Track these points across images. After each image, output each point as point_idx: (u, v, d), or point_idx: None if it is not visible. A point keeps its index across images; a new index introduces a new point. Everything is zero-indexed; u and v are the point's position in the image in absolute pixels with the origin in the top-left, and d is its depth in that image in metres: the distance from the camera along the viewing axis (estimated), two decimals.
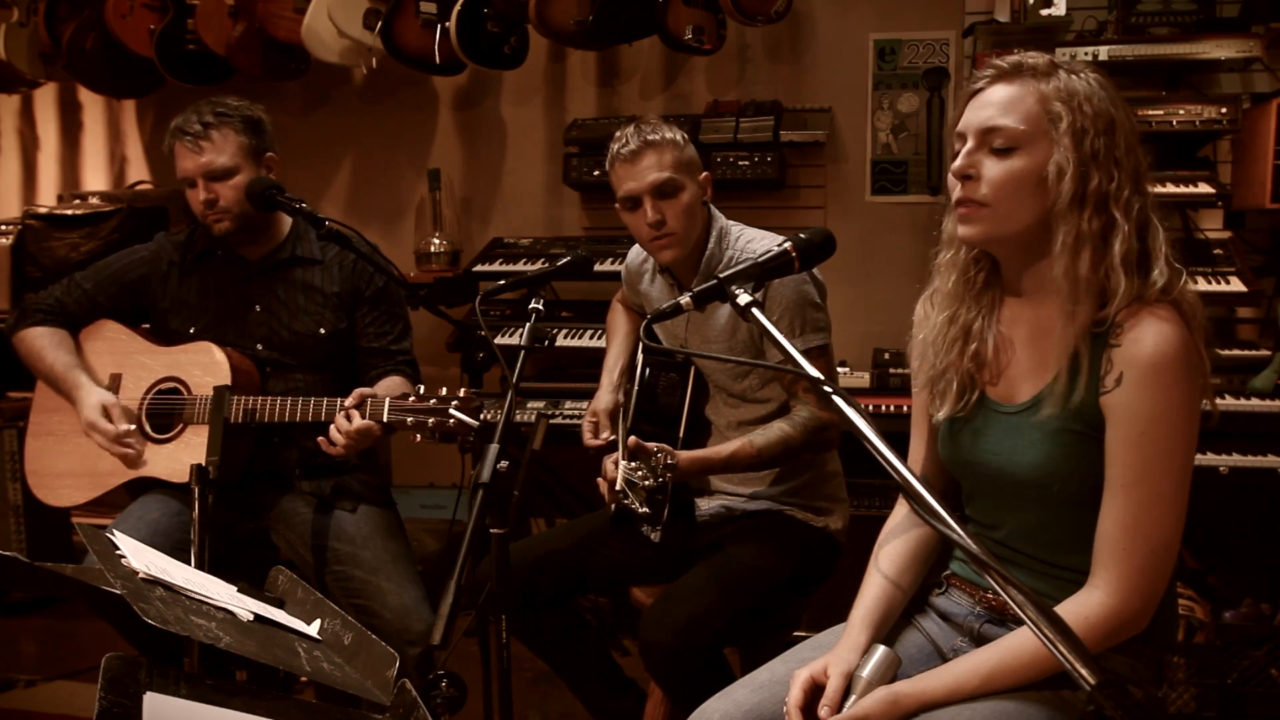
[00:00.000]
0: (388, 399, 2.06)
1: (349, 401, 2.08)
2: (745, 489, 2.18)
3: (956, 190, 1.40)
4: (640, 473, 1.88)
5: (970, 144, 1.38)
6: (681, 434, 2.19)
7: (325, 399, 2.16)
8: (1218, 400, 2.81)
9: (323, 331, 2.34)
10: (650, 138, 2.06)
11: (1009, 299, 1.47)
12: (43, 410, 2.41)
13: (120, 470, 2.30)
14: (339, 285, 2.36)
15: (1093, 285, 1.33)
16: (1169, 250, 1.36)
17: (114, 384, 2.34)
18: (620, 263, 3.24)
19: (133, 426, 2.27)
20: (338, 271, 2.37)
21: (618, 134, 2.11)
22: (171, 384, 2.30)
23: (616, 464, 2.01)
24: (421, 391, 2.05)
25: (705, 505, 2.22)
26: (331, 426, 2.09)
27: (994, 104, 1.37)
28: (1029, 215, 1.36)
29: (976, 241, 1.42)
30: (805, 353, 2.00)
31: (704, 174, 2.13)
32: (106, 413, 2.25)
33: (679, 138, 2.10)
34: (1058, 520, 1.41)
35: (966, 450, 1.49)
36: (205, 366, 2.27)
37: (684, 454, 1.98)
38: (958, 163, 1.39)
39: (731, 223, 2.20)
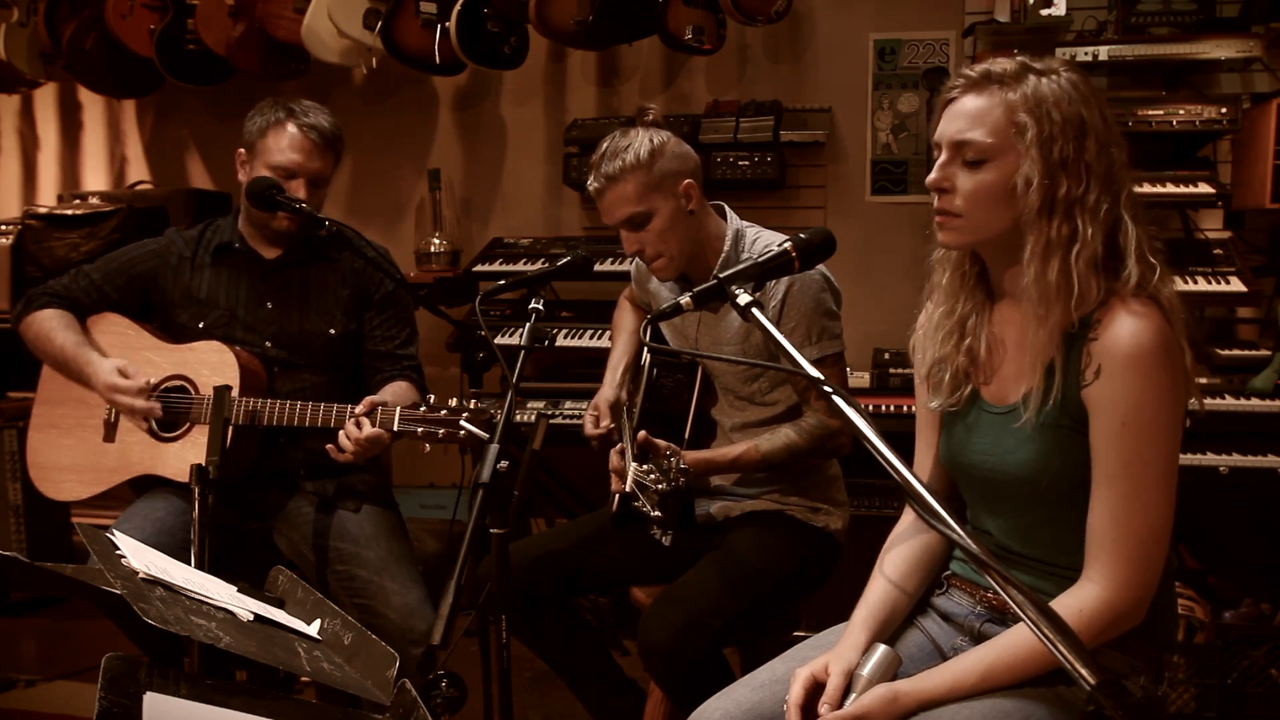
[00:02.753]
0: (398, 409, 2.06)
1: (359, 409, 2.07)
2: (745, 489, 2.18)
3: (935, 200, 1.42)
4: (652, 475, 1.87)
5: (944, 156, 1.41)
6: (687, 435, 2.19)
7: (335, 405, 2.16)
8: (1218, 400, 2.83)
9: (333, 332, 2.34)
10: (610, 170, 2.02)
11: (999, 300, 1.49)
12: (46, 402, 2.39)
13: (125, 467, 2.29)
14: (350, 287, 2.36)
15: (1062, 290, 1.34)
16: (1145, 246, 1.36)
17: None
18: (619, 263, 3.27)
19: (150, 381, 2.25)
20: (349, 273, 2.37)
21: (592, 158, 2.07)
22: (179, 382, 2.29)
23: (623, 454, 2.01)
24: (431, 401, 2.05)
25: (706, 505, 2.22)
26: (341, 433, 2.09)
27: (964, 115, 1.38)
28: (1001, 223, 1.38)
29: (954, 247, 1.46)
30: (819, 361, 2.03)
31: (685, 183, 2.05)
32: (123, 373, 2.23)
33: (644, 155, 2.00)
34: (1051, 518, 1.42)
35: (959, 451, 1.50)
36: (214, 366, 2.26)
37: (689, 454, 1.98)
38: (932, 176, 1.42)
39: (747, 224, 2.19)
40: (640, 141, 2.02)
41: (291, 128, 2.27)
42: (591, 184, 2.07)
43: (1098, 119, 1.36)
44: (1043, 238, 1.35)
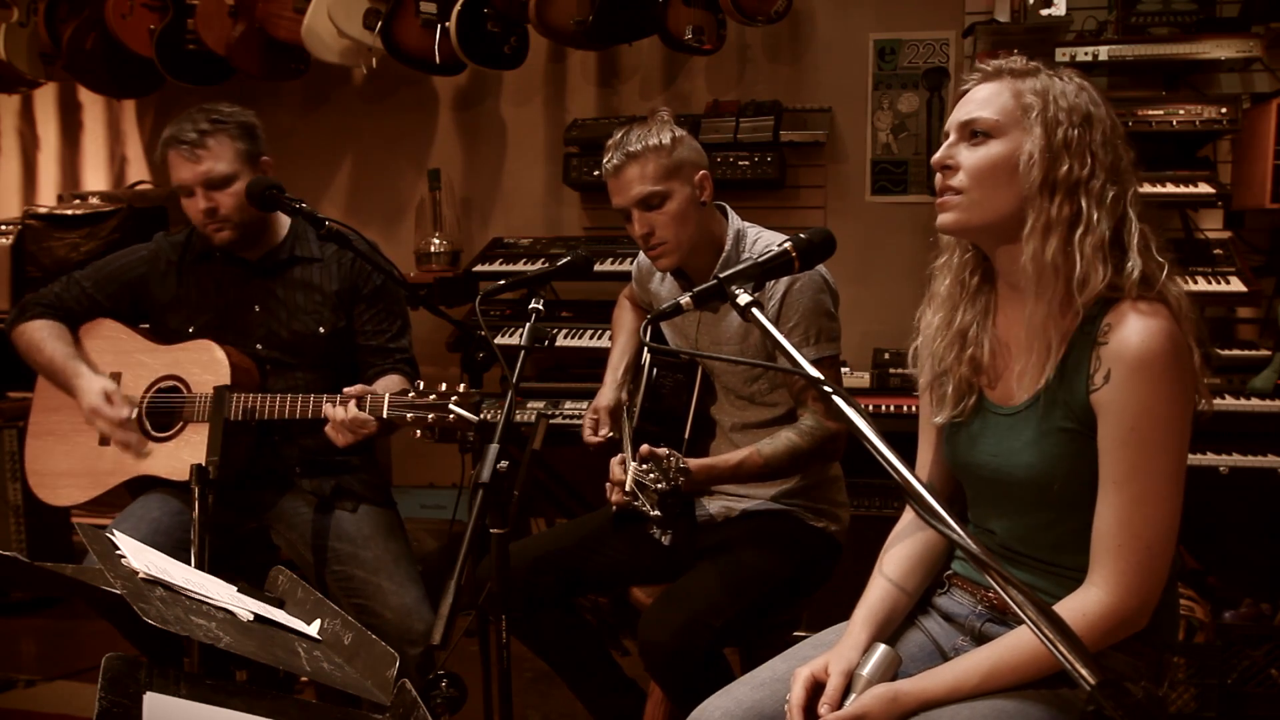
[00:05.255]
0: (387, 395, 2.06)
1: (349, 390, 2.08)
2: (746, 490, 2.18)
3: (938, 181, 1.43)
4: (652, 475, 1.87)
5: (952, 138, 1.43)
6: (687, 435, 2.18)
7: (326, 396, 2.16)
8: (1218, 400, 2.83)
9: (322, 331, 2.34)
10: (632, 149, 2.04)
11: (1003, 301, 1.48)
12: (43, 410, 2.40)
13: (120, 469, 2.30)
14: (338, 283, 2.36)
15: (1061, 271, 1.35)
16: (1151, 243, 1.36)
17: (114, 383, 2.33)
18: (619, 263, 3.27)
19: (134, 412, 2.26)
20: (336, 270, 2.36)
21: (609, 142, 2.10)
22: (171, 382, 2.30)
23: (624, 465, 2.01)
24: (420, 388, 2.05)
25: (706, 506, 2.22)
26: (325, 406, 2.09)
27: (975, 100, 1.42)
28: (1003, 203, 1.38)
29: (953, 230, 1.45)
30: (817, 362, 2.02)
31: (700, 173, 2.09)
32: (108, 398, 2.23)
33: (666, 140, 2.05)
34: (1057, 520, 1.41)
35: (965, 452, 1.50)
36: (205, 365, 2.27)
37: (693, 462, 1.97)
38: (937, 154, 1.44)
39: (748, 225, 2.19)
40: (662, 128, 2.07)
41: (171, 155, 2.25)
42: (609, 161, 2.08)
43: (1104, 116, 1.38)
44: (1043, 215, 1.35)
